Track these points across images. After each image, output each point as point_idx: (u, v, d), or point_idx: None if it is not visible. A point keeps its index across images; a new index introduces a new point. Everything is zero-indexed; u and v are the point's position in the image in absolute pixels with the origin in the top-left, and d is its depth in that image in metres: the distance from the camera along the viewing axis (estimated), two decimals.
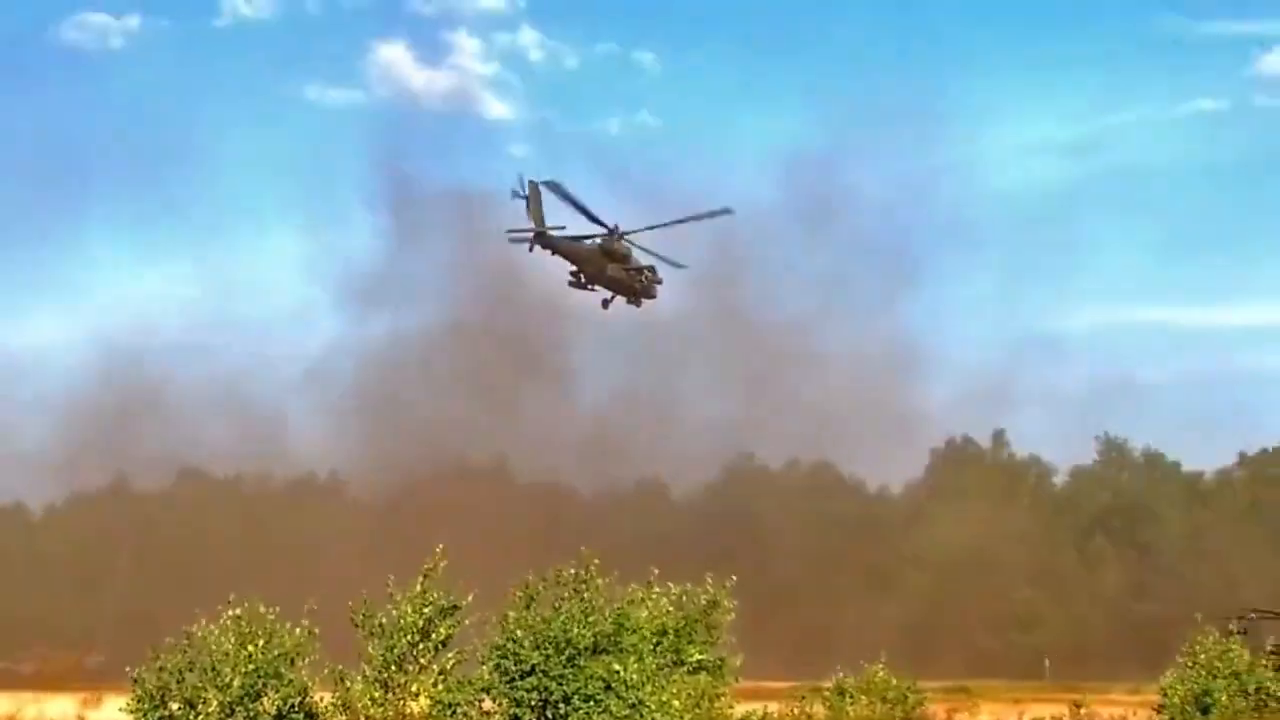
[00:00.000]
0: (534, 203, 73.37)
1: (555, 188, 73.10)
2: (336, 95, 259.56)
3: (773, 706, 45.47)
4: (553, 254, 75.56)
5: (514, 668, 32.89)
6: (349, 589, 34.16)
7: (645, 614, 35.03)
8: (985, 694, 51.85)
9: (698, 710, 34.78)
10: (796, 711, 46.43)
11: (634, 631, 33.71)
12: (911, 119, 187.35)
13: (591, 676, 32.48)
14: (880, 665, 47.20)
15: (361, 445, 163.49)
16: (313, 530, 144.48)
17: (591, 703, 32.48)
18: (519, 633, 33.08)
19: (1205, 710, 42.25)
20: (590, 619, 33.35)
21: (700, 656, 35.96)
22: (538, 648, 32.83)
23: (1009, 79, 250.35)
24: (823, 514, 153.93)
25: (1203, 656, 42.67)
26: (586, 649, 32.89)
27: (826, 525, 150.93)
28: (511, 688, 32.84)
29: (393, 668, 32.94)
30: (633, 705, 32.53)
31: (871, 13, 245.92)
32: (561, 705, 32.64)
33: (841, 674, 47.54)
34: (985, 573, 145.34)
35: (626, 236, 75.47)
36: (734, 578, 37.99)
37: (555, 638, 32.83)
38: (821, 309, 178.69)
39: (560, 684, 32.57)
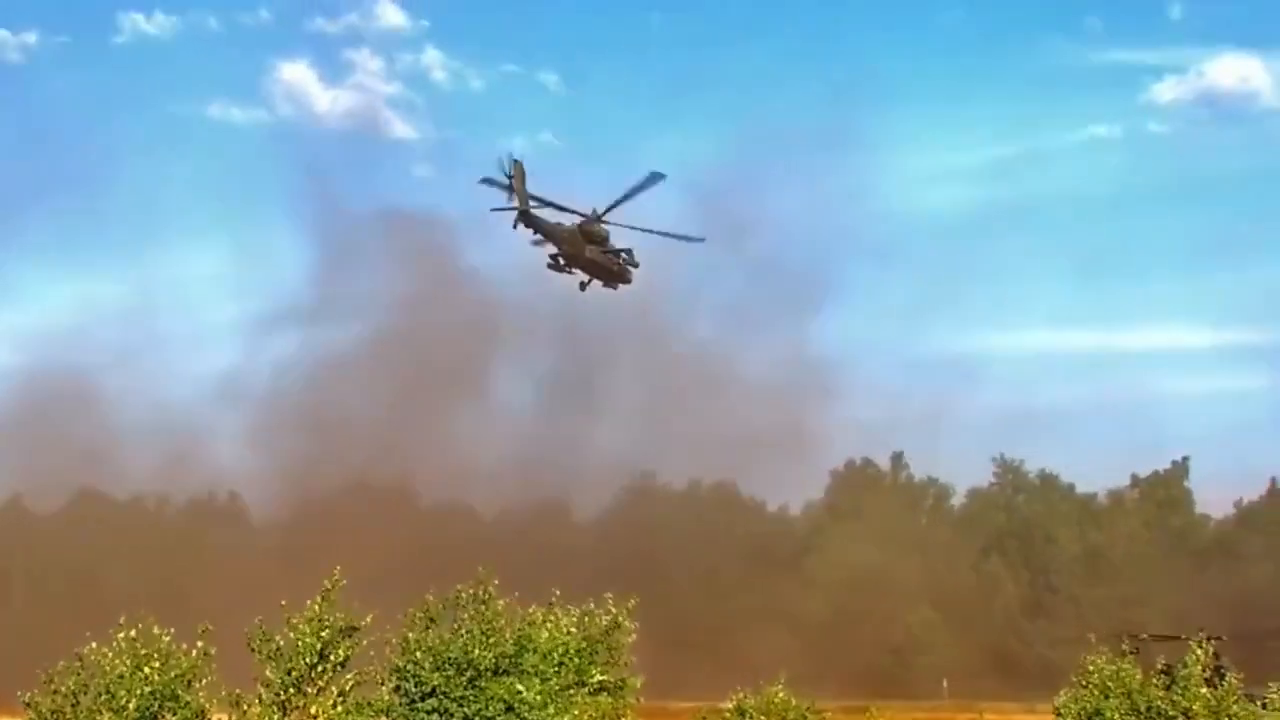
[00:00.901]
0: (518, 181, 74.66)
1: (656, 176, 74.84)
2: (239, 114, 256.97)
3: None
4: (534, 233, 76.71)
5: (414, 689, 32.72)
6: (250, 610, 33.81)
7: (547, 635, 34.92)
8: (884, 714, 52.19)
9: None
10: None
11: (536, 652, 33.62)
12: (820, 143, 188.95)
13: (493, 698, 32.37)
14: (780, 686, 47.28)
15: (264, 465, 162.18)
16: (213, 551, 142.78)
17: None
18: (419, 654, 32.88)
19: None
20: (491, 640, 33.23)
21: (602, 677, 35.97)
22: (438, 669, 32.65)
23: (917, 106, 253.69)
24: (723, 534, 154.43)
25: (1096, 676, 43.18)
26: (488, 670, 32.78)
27: (727, 546, 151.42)
28: (412, 709, 32.67)
29: (291, 690, 32.63)
30: None
31: (779, 38, 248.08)
32: None
33: (742, 694, 47.57)
34: (883, 593, 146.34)
35: (604, 220, 76.89)
36: (635, 599, 38.01)
37: (456, 659, 32.67)
38: (725, 331, 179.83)
39: (461, 705, 32.43)
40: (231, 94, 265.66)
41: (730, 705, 47.24)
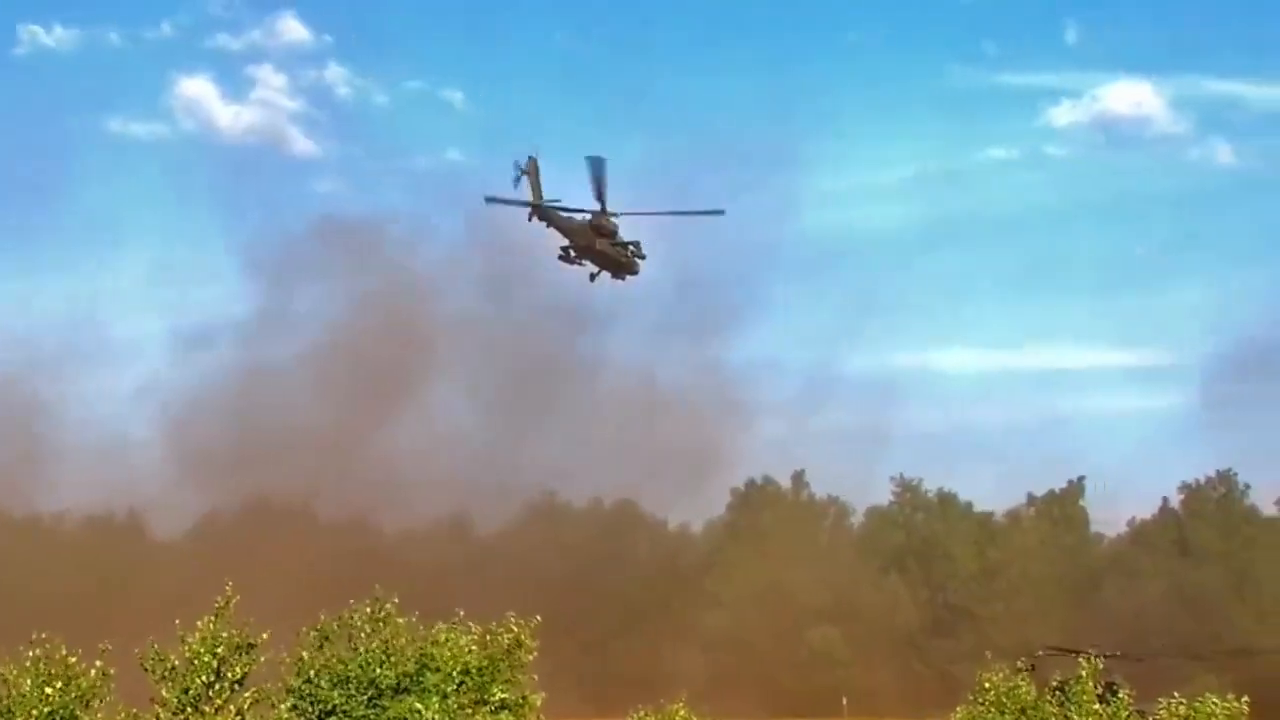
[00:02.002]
0: (533, 177, 77.34)
1: (596, 163, 77.27)
2: (140, 129, 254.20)
3: None
4: (546, 226, 78.90)
5: (313, 708, 32.54)
6: (148, 629, 33.48)
7: (448, 653, 34.84)
8: None
9: None
10: None
11: (437, 670, 33.53)
12: (741, 161, 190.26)
13: (393, 717, 32.25)
14: (681, 704, 47.46)
15: (166, 482, 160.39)
16: (111, 569, 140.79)
17: None
18: (316, 672, 32.70)
19: None
20: (392, 658, 33.10)
21: (503, 695, 35.89)
22: (338, 687, 32.49)
23: (833, 127, 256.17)
24: (625, 552, 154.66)
25: (991, 693, 43.71)
26: (389, 689, 32.66)
27: (629, 564, 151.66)
28: None
29: (188, 709, 32.35)
30: None
31: (690, 56, 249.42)
32: None
33: (643, 712, 47.70)
34: (784, 611, 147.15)
35: (614, 215, 78.90)
36: (538, 617, 38.01)
37: (357, 677, 32.52)
38: (635, 348, 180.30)
39: None
40: (132, 108, 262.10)
41: None
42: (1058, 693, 44.28)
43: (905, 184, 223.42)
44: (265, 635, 32.86)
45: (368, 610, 33.93)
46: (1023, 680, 44.17)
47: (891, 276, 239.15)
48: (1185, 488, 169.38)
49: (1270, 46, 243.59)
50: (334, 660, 32.77)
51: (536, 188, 77.72)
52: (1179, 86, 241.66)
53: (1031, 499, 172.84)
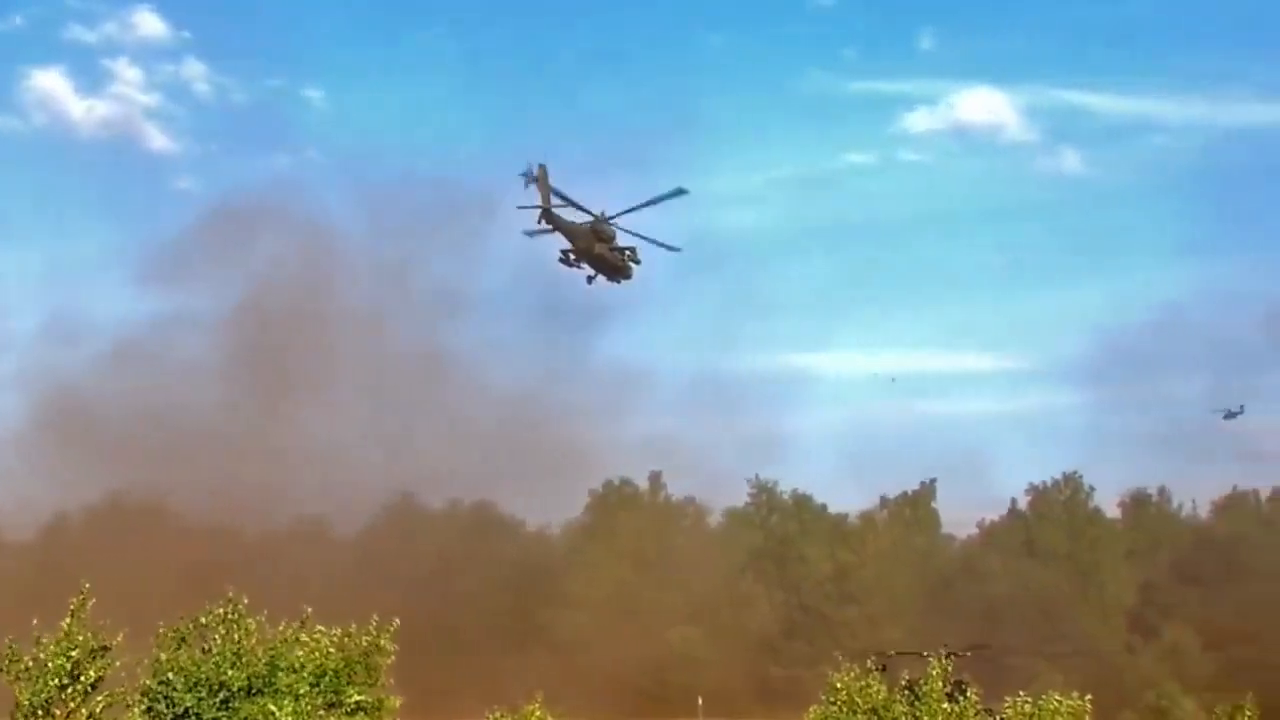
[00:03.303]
0: (542, 183, 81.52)
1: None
2: None
3: None
4: (551, 230, 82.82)
5: (167, 710, 32.23)
6: (5, 631, 32.93)
7: (302, 654, 34.64)
8: None
9: None
10: None
11: (291, 672, 33.35)
12: (597, 165, 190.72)
13: (246, 718, 32.04)
14: (537, 705, 47.60)
15: (19, 481, 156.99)
16: None
17: None
18: (171, 675, 32.39)
19: None
20: (244, 659, 32.87)
21: (359, 698, 35.78)
22: (191, 689, 32.21)
23: (703, 131, 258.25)
24: (483, 555, 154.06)
25: (843, 693, 44.36)
26: (241, 690, 32.44)
27: (487, 566, 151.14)
28: None
29: (40, 712, 31.88)
30: None
31: (555, 59, 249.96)
32: None
33: (499, 714, 47.75)
34: (641, 612, 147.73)
35: (611, 221, 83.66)
36: (396, 620, 37.92)
37: (209, 679, 32.26)
38: (484, 348, 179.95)
39: None
40: None
41: None
42: (907, 692, 45.05)
43: (768, 188, 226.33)
44: (120, 638, 32.46)
45: (221, 612, 33.58)
46: (873, 680, 44.88)
47: (754, 280, 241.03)
48: (1033, 489, 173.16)
49: (1118, 59, 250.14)
50: (187, 662, 32.41)
51: (545, 194, 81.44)
52: (1031, 95, 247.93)
53: (884, 501, 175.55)
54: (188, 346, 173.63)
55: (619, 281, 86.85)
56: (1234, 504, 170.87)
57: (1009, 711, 48.49)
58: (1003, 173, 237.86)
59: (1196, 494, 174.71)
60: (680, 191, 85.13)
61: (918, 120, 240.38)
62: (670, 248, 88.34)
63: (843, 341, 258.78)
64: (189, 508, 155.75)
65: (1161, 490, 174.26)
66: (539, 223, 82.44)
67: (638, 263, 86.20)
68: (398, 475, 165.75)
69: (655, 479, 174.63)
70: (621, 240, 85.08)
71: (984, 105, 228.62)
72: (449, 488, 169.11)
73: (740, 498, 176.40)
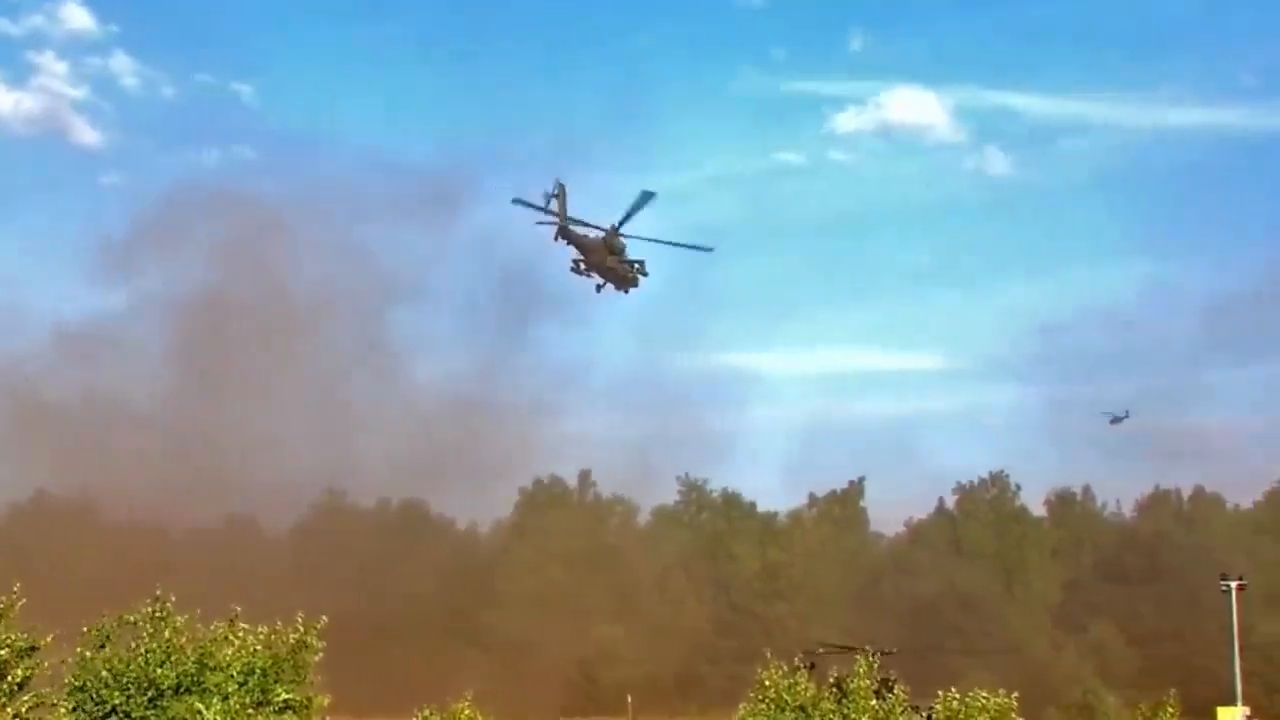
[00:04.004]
0: (561, 200, 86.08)
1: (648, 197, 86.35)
2: None
3: None
4: (566, 243, 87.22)
5: (94, 708, 32.01)
6: None
7: (231, 652, 34.48)
8: None
9: None
10: None
11: (219, 670, 33.20)
12: (524, 163, 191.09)
13: (173, 717, 31.87)
14: (466, 703, 47.55)
15: None
16: None
17: None
18: (101, 673, 32.17)
19: None
20: (172, 658, 32.69)
21: (287, 696, 35.62)
22: (119, 688, 32.00)
23: (624, 128, 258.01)
24: (413, 553, 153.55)
25: (772, 690, 44.56)
26: (169, 689, 32.25)
27: (416, 564, 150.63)
28: None
29: None
30: None
31: (484, 57, 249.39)
32: None
33: (428, 712, 47.67)
34: (571, 611, 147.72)
35: (621, 234, 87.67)
36: (324, 618, 37.77)
37: (137, 678, 32.06)
38: (415, 346, 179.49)
39: None
40: None
41: None
42: (835, 690, 45.33)
43: (700, 187, 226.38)
44: (49, 638, 32.20)
45: (148, 610, 33.36)
46: (801, 678, 45.12)
47: (683, 280, 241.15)
48: (960, 488, 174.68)
49: (1045, 61, 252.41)
50: (115, 660, 32.19)
51: (562, 210, 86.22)
52: (959, 96, 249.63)
53: (813, 499, 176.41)
54: (124, 341, 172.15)
55: (626, 291, 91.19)
56: (1156, 503, 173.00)
57: (936, 708, 48.95)
58: (931, 173, 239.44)
59: (1120, 493, 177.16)
60: (648, 195, 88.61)
61: (847, 120, 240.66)
62: (702, 248, 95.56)
63: (775, 341, 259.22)
64: (118, 505, 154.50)
65: (1086, 489, 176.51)
66: (556, 240, 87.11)
67: (645, 275, 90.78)
68: (327, 473, 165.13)
69: (585, 477, 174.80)
70: (643, 249, 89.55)
71: (913, 105, 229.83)
72: (379, 486, 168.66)
73: (670, 496, 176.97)
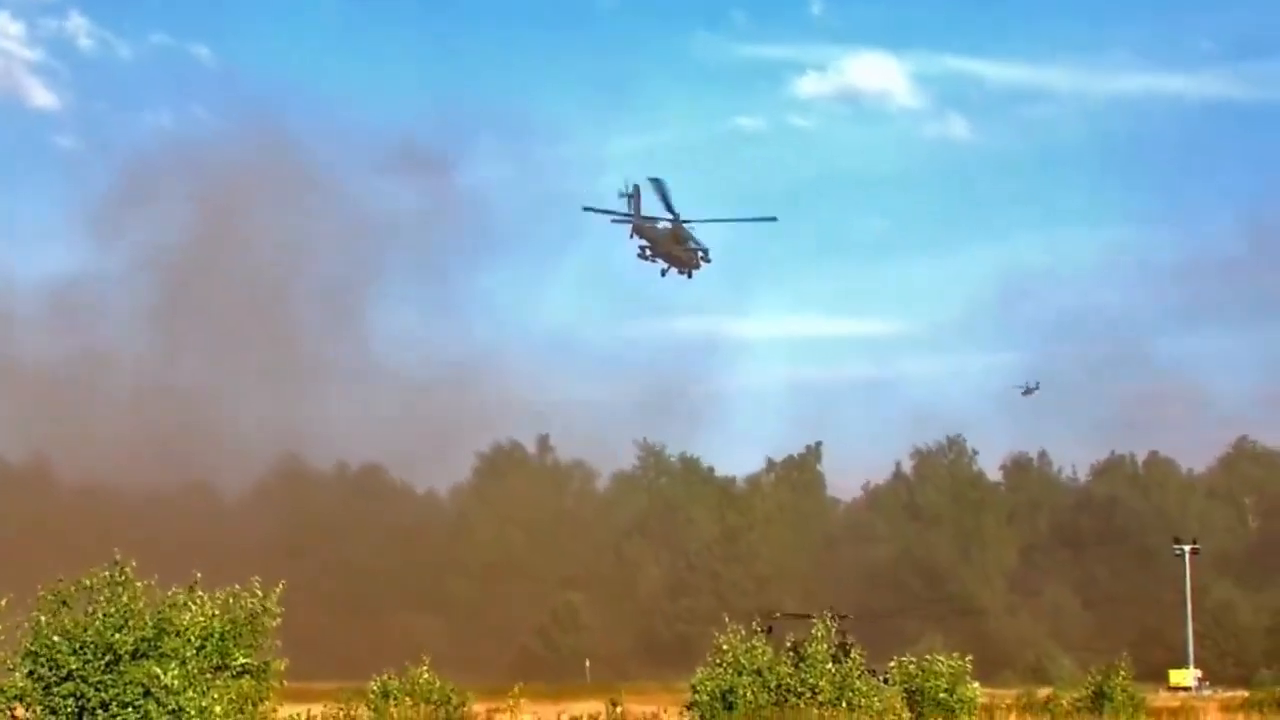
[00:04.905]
0: (636, 201, 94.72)
1: (657, 183, 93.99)
2: None
3: (317, 709, 45.24)
4: (639, 237, 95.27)
5: (50, 674, 31.88)
6: None
7: (189, 617, 34.43)
8: (528, 694, 52.83)
9: (240, 715, 34.42)
10: (340, 713, 46.35)
11: (177, 635, 33.12)
12: (478, 128, 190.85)
13: (131, 682, 31.77)
14: (425, 668, 47.60)
15: None
16: None
17: (130, 709, 31.73)
18: (56, 638, 32.04)
19: (730, 706, 44.30)
20: (130, 623, 32.61)
21: (245, 660, 35.58)
22: (75, 653, 31.91)
23: (579, 93, 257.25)
24: (371, 517, 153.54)
25: (730, 654, 44.70)
26: (127, 654, 32.16)
27: (375, 528, 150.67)
28: (47, 695, 31.79)
29: None
30: (172, 711, 31.89)
31: (432, 18, 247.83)
32: (99, 712, 31.77)
33: (386, 676, 47.67)
34: (529, 576, 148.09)
35: (686, 223, 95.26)
36: (282, 582, 37.73)
37: (94, 643, 31.97)
38: (383, 311, 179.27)
39: (98, 690, 31.73)
40: None
41: (374, 686, 47.39)
42: (793, 653, 45.50)
43: (659, 150, 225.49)
44: (3, 602, 31.99)
45: (106, 574, 33.20)
46: (758, 642, 45.29)
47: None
48: (917, 453, 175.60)
49: (1007, 27, 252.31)
50: (71, 625, 32.05)
51: (638, 210, 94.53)
52: (920, 62, 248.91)
53: (771, 464, 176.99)
54: (81, 305, 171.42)
55: (689, 275, 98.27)
56: (1111, 468, 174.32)
57: (893, 672, 49.22)
58: (892, 139, 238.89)
59: (1076, 459, 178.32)
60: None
61: (807, 85, 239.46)
62: (767, 219, 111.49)
63: (735, 308, 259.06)
64: (69, 470, 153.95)
65: (1042, 454, 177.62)
66: (631, 237, 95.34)
67: (709, 261, 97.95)
68: (285, 434, 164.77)
69: (543, 441, 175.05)
70: (711, 231, 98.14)
71: (874, 71, 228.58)
72: (336, 449, 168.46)
73: (627, 461, 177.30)
